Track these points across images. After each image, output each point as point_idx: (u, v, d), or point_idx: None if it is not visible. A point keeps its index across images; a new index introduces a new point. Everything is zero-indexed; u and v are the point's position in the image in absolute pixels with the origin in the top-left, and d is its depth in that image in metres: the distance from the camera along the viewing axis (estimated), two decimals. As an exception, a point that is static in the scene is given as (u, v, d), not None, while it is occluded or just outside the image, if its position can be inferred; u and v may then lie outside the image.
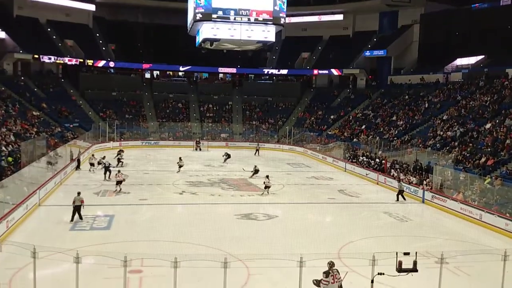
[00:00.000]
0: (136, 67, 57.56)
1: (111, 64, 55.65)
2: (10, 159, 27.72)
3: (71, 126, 44.90)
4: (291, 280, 11.28)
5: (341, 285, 11.13)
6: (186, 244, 16.29)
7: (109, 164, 29.29)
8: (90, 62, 53.39)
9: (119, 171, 26.61)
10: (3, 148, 29.04)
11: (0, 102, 39.54)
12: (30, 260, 9.73)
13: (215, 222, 19.91)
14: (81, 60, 52.83)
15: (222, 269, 9.69)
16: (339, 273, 11.09)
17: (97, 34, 58.51)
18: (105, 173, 28.74)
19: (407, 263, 14.26)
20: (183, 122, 52.37)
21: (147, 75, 59.55)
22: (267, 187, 25.73)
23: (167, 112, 54.13)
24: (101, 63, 54.48)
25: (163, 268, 11.25)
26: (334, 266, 11.13)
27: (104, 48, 57.67)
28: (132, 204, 22.93)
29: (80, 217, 18.92)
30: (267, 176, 26.33)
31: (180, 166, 32.18)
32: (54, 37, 54.38)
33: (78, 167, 31.96)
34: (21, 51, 49.17)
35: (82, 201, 18.98)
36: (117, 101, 53.70)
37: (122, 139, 46.75)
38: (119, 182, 25.18)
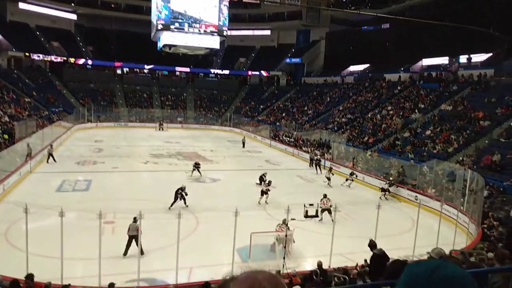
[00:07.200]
0: (109, 65, 54.45)
1: (89, 62, 52.24)
2: (5, 136, 25.68)
3: (57, 110, 41.90)
4: (229, 226, 11.41)
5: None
6: (150, 201, 16.03)
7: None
8: (72, 60, 49.89)
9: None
10: (-1, 127, 26.92)
11: (-4, 90, 36.34)
12: (23, 215, 9.18)
13: (171, 184, 19.65)
14: (65, 58, 49.28)
15: (177, 219, 9.62)
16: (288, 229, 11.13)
17: (78, 38, 54.63)
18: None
19: (312, 212, 14.85)
20: (147, 108, 50.62)
21: (119, 71, 56.52)
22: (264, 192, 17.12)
23: (135, 100, 51.92)
24: (81, 61, 51.07)
25: (131, 220, 11.02)
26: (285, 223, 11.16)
27: (83, 49, 53.98)
28: (106, 171, 22.10)
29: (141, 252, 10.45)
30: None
31: (197, 169, 21.46)
32: (42, 39, 50.25)
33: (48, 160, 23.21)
34: (14, 50, 45.14)
35: (137, 230, 10.59)
36: (94, 91, 50.70)
37: (99, 121, 44.58)
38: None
